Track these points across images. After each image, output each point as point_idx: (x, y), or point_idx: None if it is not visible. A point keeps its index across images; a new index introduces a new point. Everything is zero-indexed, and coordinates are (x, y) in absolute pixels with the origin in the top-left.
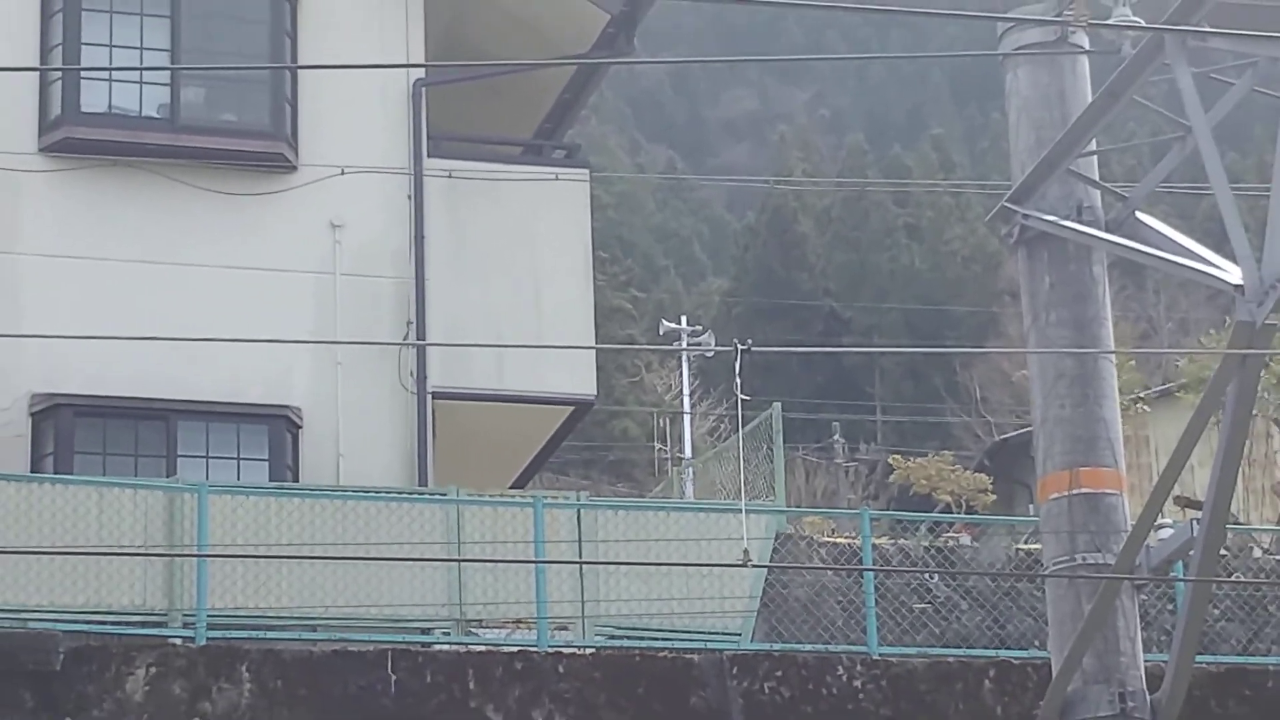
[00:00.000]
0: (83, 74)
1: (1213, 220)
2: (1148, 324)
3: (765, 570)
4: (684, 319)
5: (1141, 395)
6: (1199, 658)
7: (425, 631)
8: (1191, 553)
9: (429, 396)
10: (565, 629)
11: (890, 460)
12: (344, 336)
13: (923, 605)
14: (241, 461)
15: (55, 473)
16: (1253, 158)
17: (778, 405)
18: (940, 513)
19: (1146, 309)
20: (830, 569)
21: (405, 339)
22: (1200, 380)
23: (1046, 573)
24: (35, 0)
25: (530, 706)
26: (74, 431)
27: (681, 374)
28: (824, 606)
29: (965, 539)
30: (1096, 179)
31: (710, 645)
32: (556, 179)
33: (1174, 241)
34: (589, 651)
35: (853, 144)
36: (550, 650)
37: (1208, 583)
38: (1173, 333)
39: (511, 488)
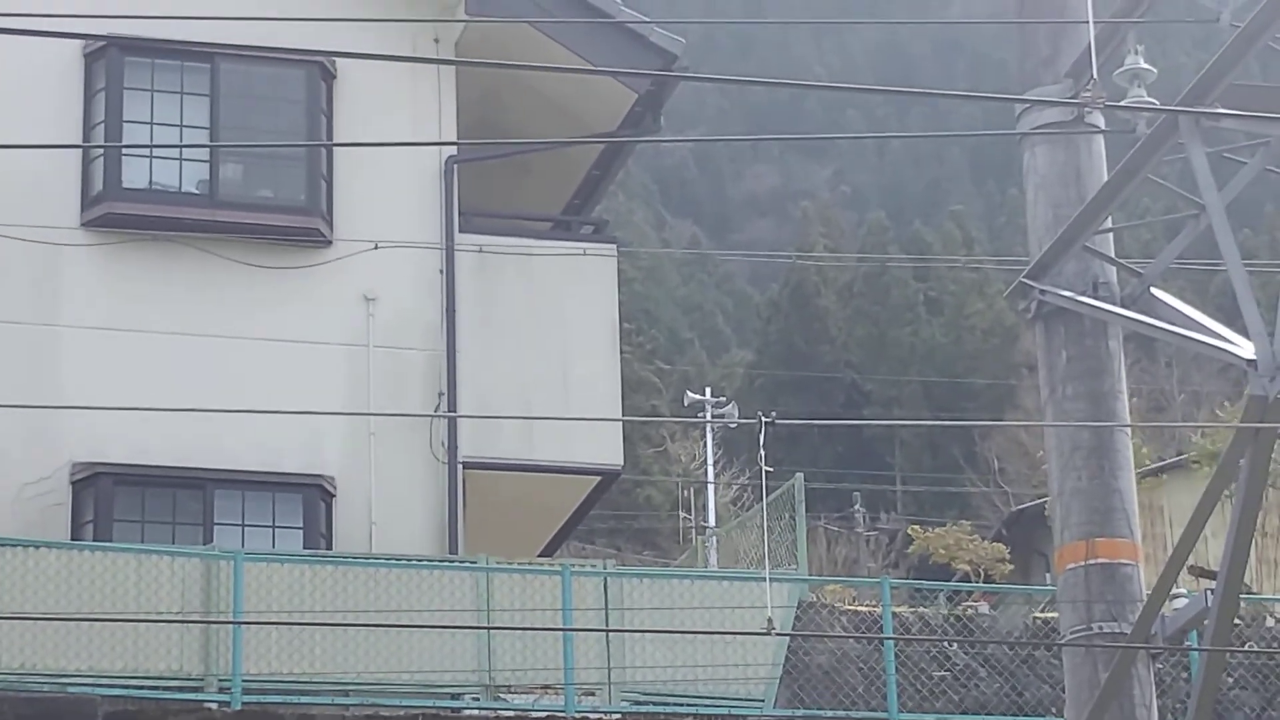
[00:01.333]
0: (124, 151)
1: (1225, 295)
2: (1161, 397)
3: (788, 638)
4: (708, 390)
5: (1153, 467)
6: None
7: (455, 696)
8: (1206, 622)
9: (460, 466)
10: (592, 694)
11: (909, 530)
12: (376, 407)
13: (942, 673)
14: (276, 529)
15: (95, 540)
16: (1264, 235)
17: (800, 476)
18: (959, 581)
19: (1159, 382)
20: (852, 637)
21: (437, 410)
22: (1212, 455)
23: (1064, 641)
24: (79, 79)
25: None
26: (114, 500)
27: (705, 444)
28: (845, 673)
29: (984, 608)
30: (1112, 255)
31: (734, 711)
32: (584, 254)
33: (1188, 317)
34: (615, 717)
35: (874, 220)
36: (577, 715)
37: (1222, 652)
38: (1185, 405)
39: (540, 556)
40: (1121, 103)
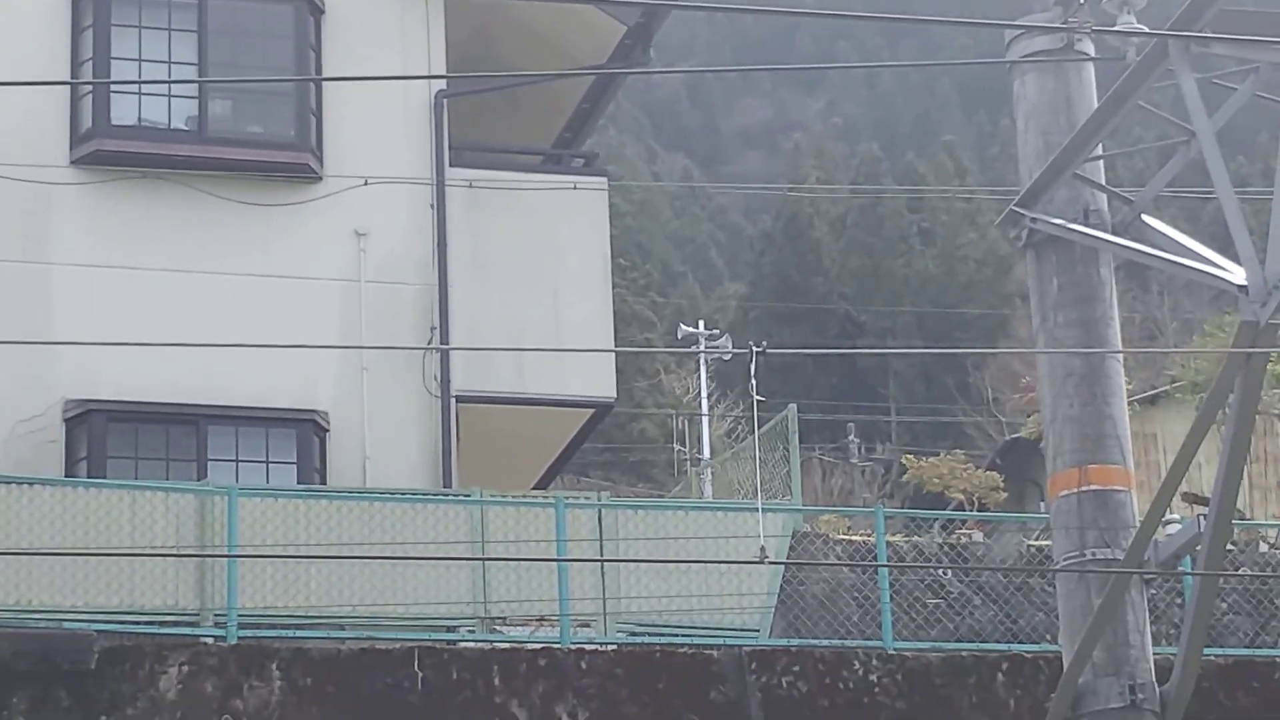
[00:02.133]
0: (112, 88)
1: (1218, 224)
2: (1153, 325)
3: (782, 567)
4: (701, 323)
5: (1145, 394)
6: (1207, 650)
7: (450, 629)
8: (1199, 548)
9: (453, 400)
10: (587, 626)
11: (904, 460)
12: (369, 342)
13: (936, 601)
14: (270, 465)
15: (89, 477)
16: (1258, 163)
17: (793, 407)
18: (953, 511)
19: (1151, 311)
20: (846, 565)
21: (429, 344)
22: (1194, 384)
23: (1057, 568)
24: (66, 16)
25: (553, 702)
26: (107, 437)
27: (699, 377)
28: (840, 603)
29: (978, 536)
30: (1103, 183)
31: (729, 641)
32: (575, 187)
33: (1179, 244)
34: (610, 648)
35: (866, 152)
36: (573, 647)
37: (1215, 577)
38: (1177, 333)
39: (534, 489)
40: (1111, 28)
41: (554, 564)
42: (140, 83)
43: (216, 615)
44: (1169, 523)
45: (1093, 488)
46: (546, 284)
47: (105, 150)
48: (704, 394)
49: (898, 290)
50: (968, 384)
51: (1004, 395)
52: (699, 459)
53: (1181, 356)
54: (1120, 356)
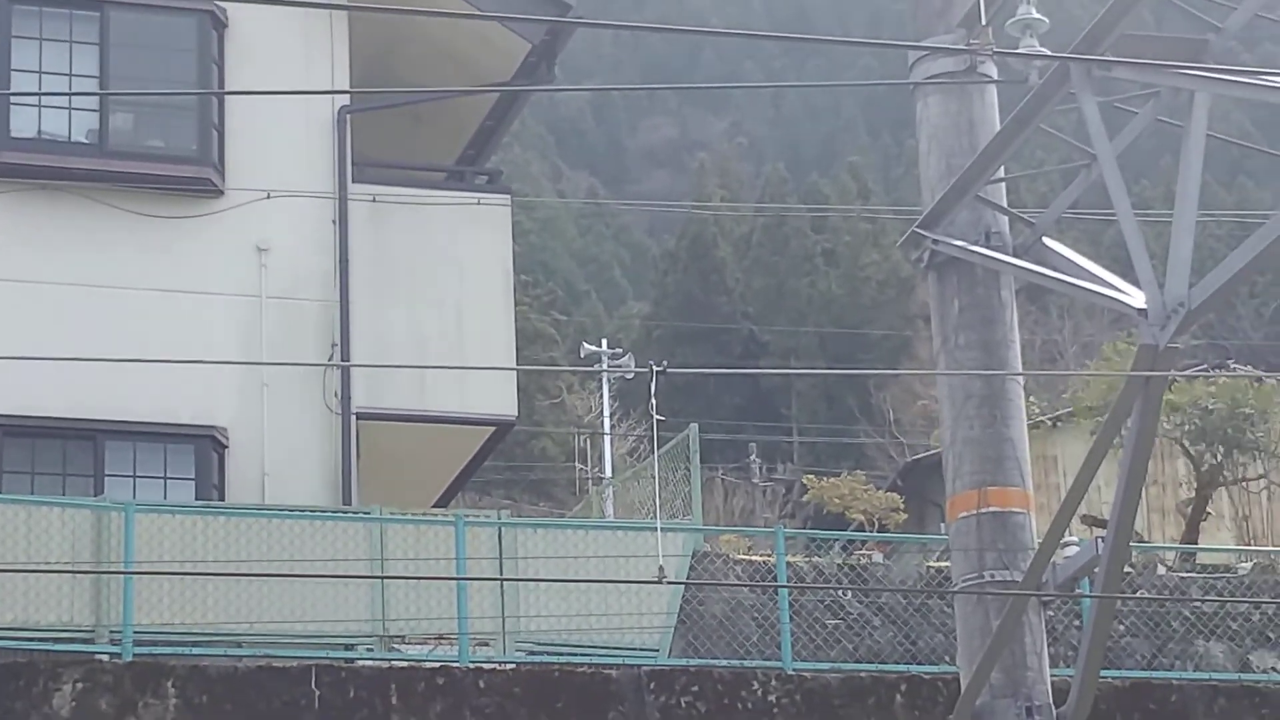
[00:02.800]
0: (12, 99)
1: (1119, 247)
2: (1054, 348)
3: (682, 587)
4: (604, 342)
5: (1046, 417)
6: (1104, 672)
7: (349, 647)
8: (1097, 570)
9: (353, 417)
10: (486, 644)
11: (805, 480)
12: (270, 358)
13: (836, 621)
14: (168, 481)
15: None
16: (1160, 187)
17: (694, 426)
18: (853, 531)
19: (1052, 334)
20: (746, 586)
21: (330, 361)
22: (1090, 409)
23: (956, 589)
24: None
25: None
26: (2, 451)
27: (602, 395)
28: (740, 623)
29: (878, 557)
30: (1005, 205)
31: (628, 660)
32: (479, 204)
33: (1080, 266)
34: (509, 667)
35: (771, 172)
36: (471, 665)
37: (1112, 599)
38: (1077, 356)
39: (434, 507)
40: (1014, 51)
41: (453, 582)
42: (40, 94)
43: (112, 632)
44: (1067, 545)
45: (992, 509)
46: (449, 301)
47: (4, 162)
48: (606, 413)
49: (801, 310)
50: (870, 404)
51: (905, 417)
52: (600, 478)
53: (1080, 380)
54: (1020, 379)
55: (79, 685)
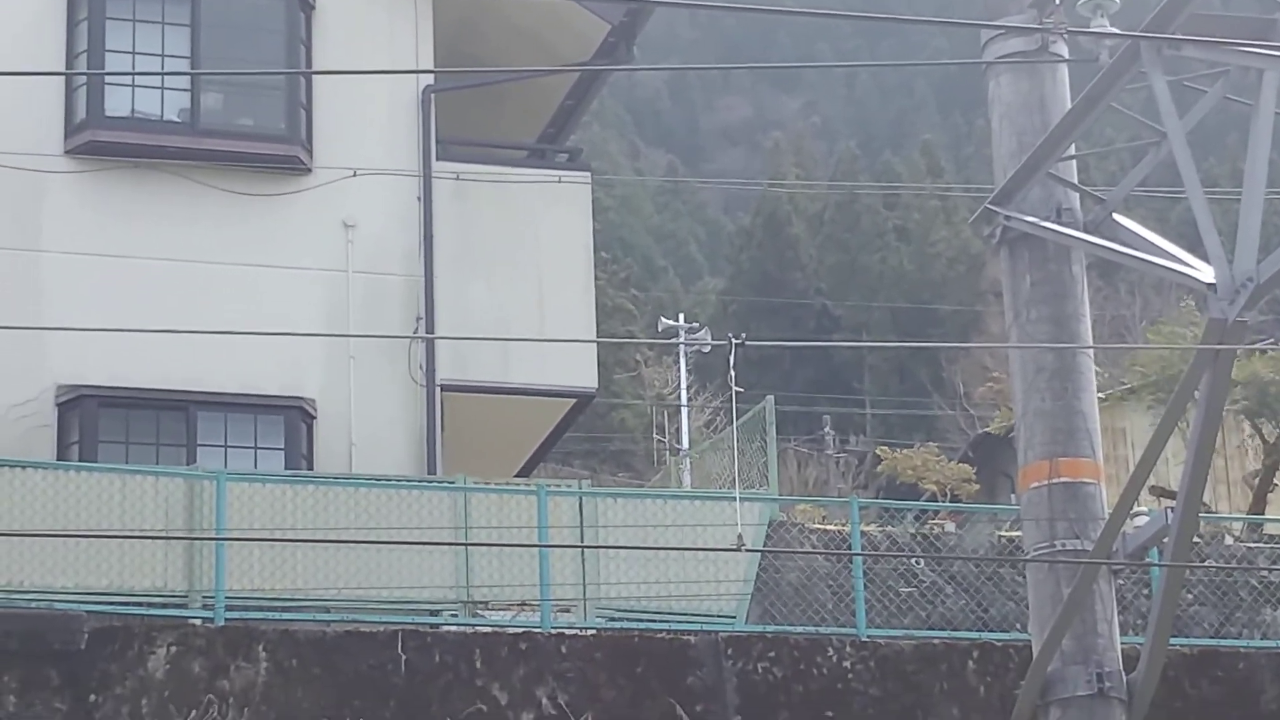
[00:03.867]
0: (106, 79)
1: (1187, 224)
2: (1122, 324)
3: (759, 555)
4: (681, 317)
5: (1112, 393)
6: (1173, 640)
7: (434, 613)
8: (1166, 540)
9: (438, 389)
10: (568, 611)
11: (878, 451)
12: (356, 331)
13: (909, 589)
14: (258, 450)
15: (80, 461)
16: (1227, 164)
17: (770, 398)
18: (926, 501)
19: (1120, 309)
20: (821, 553)
21: (415, 333)
22: (1149, 385)
23: (1028, 558)
24: (62, 9)
25: (534, 685)
26: (98, 421)
27: (679, 369)
28: (815, 590)
29: (950, 526)
30: (1075, 182)
31: (706, 627)
32: (559, 181)
33: (1149, 242)
34: (590, 633)
35: (844, 150)
36: (553, 631)
37: (1181, 568)
38: (1145, 331)
39: (516, 476)
40: (1085, 29)
41: (535, 550)
42: (134, 74)
43: (204, 597)
44: (1137, 515)
45: (1063, 480)
46: (530, 276)
47: (99, 140)
48: (683, 385)
49: (873, 286)
50: (941, 378)
51: (975, 390)
52: (678, 449)
53: (1146, 354)
54: (1091, 352)
55: (173, 649)
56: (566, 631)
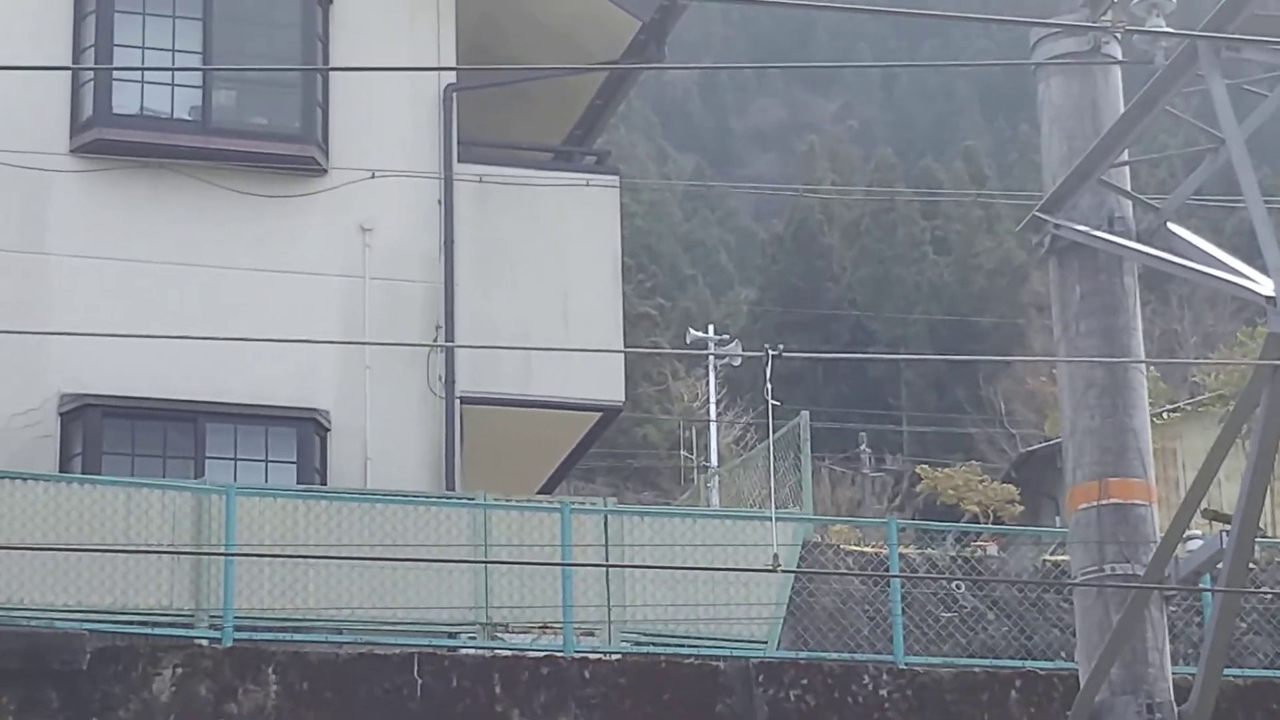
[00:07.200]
0: (115, 76)
1: (1243, 234)
2: (1174, 339)
3: (792, 578)
4: (711, 328)
5: (1170, 409)
6: (1226, 670)
7: (451, 635)
8: (1220, 565)
9: (457, 401)
10: (591, 634)
11: (918, 470)
12: (373, 339)
13: (949, 615)
14: (269, 464)
15: (83, 473)
16: None
17: (805, 414)
18: (967, 523)
19: (1171, 323)
20: (858, 575)
21: (434, 343)
22: (1220, 396)
23: (1075, 582)
24: (68, 2)
25: (556, 712)
26: (102, 432)
27: (708, 382)
28: (850, 615)
29: (992, 549)
30: (1128, 189)
31: (736, 652)
32: (587, 185)
33: (1205, 253)
34: (615, 657)
35: (881, 156)
36: (576, 655)
37: (1236, 594)
38: (1198, 347)
39: (539, 493)
40: (1140, 28)
41: (558, 570)
42: (143, 70)
43: (212, 616)
44: (1190, 539)
45: (1113, 501)
46: (555, 284)
47: (106, 139)
48: (712, 400)
49: (910, 298)
50: (979, 396)
51: (1016, 408)
52: (706, 466)
53: (1204, 371)
54: (1143, 368)
55: (178, 670)
56: (590, 656)
